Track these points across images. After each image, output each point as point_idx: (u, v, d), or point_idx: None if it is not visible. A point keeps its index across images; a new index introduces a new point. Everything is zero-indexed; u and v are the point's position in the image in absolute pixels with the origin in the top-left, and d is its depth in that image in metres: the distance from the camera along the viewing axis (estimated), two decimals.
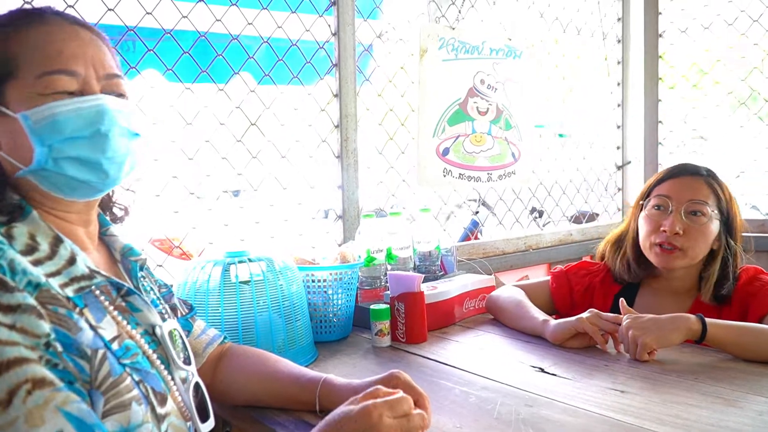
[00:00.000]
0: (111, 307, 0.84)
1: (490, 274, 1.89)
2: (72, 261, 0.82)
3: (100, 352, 0.77)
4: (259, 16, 1.81)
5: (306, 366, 1.34)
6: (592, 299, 1.65)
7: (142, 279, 0.98)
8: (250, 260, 1.35)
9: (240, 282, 1.32)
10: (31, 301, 0.72)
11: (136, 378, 0.81)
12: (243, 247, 1.42)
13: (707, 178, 1.52)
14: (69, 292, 0.79)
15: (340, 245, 1.86)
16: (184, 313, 1.13)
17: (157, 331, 0.90)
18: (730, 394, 1.08)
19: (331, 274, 1.55)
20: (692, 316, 1.27)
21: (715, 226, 1.48)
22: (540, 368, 1.26)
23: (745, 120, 2.56)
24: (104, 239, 0.98)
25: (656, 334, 1.26)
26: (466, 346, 1.46)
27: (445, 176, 2.07)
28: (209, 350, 1.14)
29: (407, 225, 1.86)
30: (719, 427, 0.94)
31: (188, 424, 0.89)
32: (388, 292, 1.55)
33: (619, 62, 2.70)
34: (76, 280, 0.81)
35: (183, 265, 1.42)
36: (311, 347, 1.43)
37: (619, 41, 2.70)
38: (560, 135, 2.94)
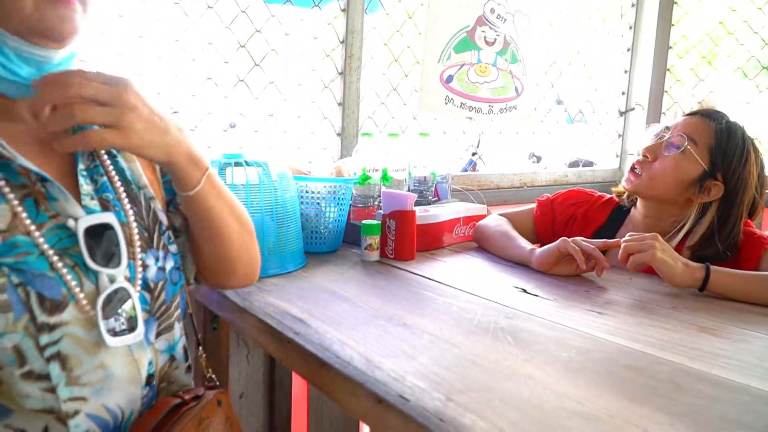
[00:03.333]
0: (12, 195, 0.74)
1: (483, 204, 1.90)
2: None
3: None
4: None
5: (294, 271, 1.38)
6: (572, 230, 1.66)
7: (98, 158, 0.87)
8: (247, 163, 1.36)
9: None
10: None
11: (16, 280, 0.72)
12: (240, 150, 1.42)
13: (717, 124, 1.44)
14: None
15: (336, 161, 1.86)
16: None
17: (69, 223, 0.78)
18: (706, 322, 1.11)
19: (325, 186, 1.56)
20: (698, 264, 1.27)
21: (692, 169, 1.44)
22: (523, 289, 1.29)
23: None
24: None
25: (668, 257, 1.25)
26: (453, 267, 1.48)
27: (446, 104, 2.05)
28: None
29: (404, 148, 1.86)
30: (692, 348, 0.96)
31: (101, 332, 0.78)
32: (381, 210, 1.56)
33: (633, 5, 2.64)
34: None
35: None
36: (301, 254, 1.45)
37: None
38: (568, 120, 2.92)
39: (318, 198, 1.56)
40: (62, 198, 0.79)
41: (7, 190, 0.74)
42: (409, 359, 0.87)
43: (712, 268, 1.26)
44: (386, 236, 1.53)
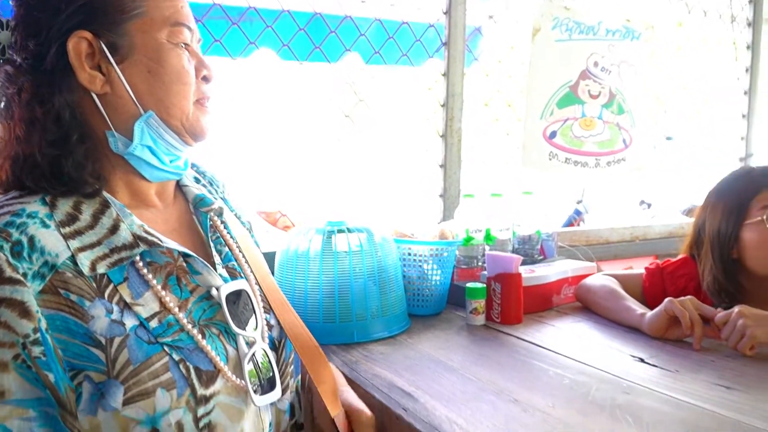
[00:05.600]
0: (155, 279, 0.80)
1: (592, 262, 1.83)
2: (115, 229, 0.78)
3: (117, 339, 0.73)
4: None
5: (399, 334, 1.37)
6: None
7: (217, 230, 0.94)
8: (348, 230, 1.39)
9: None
10: (20, 295, 0.69)
11: (176, 357, 0.77)
12: (343, 217, 1.46)
13: None
14: (102, 268, 0.75)
15: (439, 223, 1.87)
16: None
17: (213, 293, 0.84)
18: None
19: (428, 249, 1.56)
20: None
21: None
22: (640, 358, 1.22)
23: None
24: (182, 190, 0.95)
25: (760, 330, 1.18)
26: (562, 331, 1.43)
27: (550, 159, 2.02)
28: None
29: (507, 207, 1.83)
30: None
31: (247, 397, 0.84)
32: (485, 272, 1.54)
33: (748, 47, 2.51)
34: (116, 251, 0.77)
35: (287, 234, 1.48)
36: (404, 316, 1.45)
37: (749, 24, 2.52)
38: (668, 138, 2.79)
39: (421, 260, 1.56)
40: (205, 271, 0.85)
41: (150, 276, 0.79)
42: None
43: None
44: (492, 300, 1.50)
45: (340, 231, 1.38)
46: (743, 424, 0.90)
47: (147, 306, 0.77)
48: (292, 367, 0.98)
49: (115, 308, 0.75)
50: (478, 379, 1.09)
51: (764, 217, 1.40)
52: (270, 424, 0.89)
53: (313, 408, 0.97)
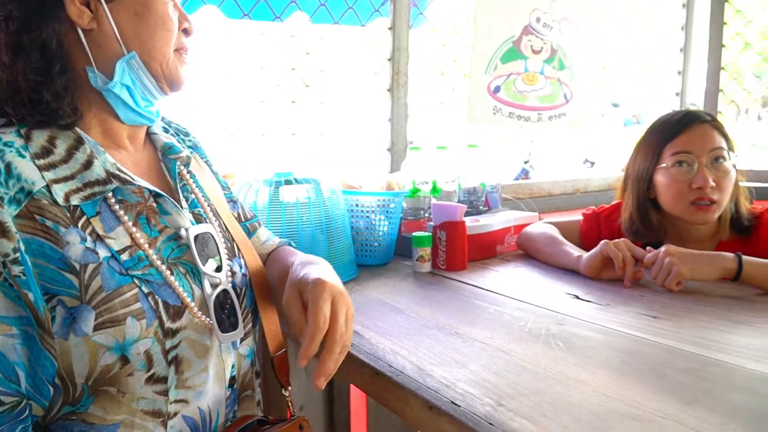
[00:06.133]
0: (127, 216, 0.82)
1: (535, 212, 1.89)
2: (88, 164, 0.81)
3: (91, 266, 0.75)
4: None
5: (346, 282, 1.41)
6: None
7: (183, 178, 0.97)
8: (296, 181, 1.41)
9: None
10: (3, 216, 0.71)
11: (146, 290, 0.79)
12: (291, 169, 1.47)
13: (713, 122, 1.48)
14: (76, 200, 0.77)
15: (386, 176, 1.89)
16: (241, 220, 1.13)
17: (182, 233, 0.88)
18: (762, 323, 1.08)
19: (375, 200, 1.59)
20: (730, 254, 1.27)
21: (732, 170, 1.45)
22: (575, 295, 1.29)
23: None
24: (150, 137, 0.97)
25: (692, 265, 1.27)
26: (504, 275, 1.49)
27: (494, 114, 2.06)
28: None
29: (453, 160, 1.88)
30: (747, 348, 0.94)
31: (212, 335, 0.87)
32: (431, 222, 1.58)
33: (683, 5, 2.59)
34: (89, 186, 0.79)
35: (235, 184, 1.48)
36: (352, 265, 1.49)
37: None
38: (626, 123, 2.86)
39: (368, 212, 1.59)
40: (174, 211, 0.88)
41: (122, 212, 0.82)
42: (460, 367, 0.88)
43: (745, 258, 1.26)
44: (437, 247, 1.54)
45: (287, 182, 1.40)
46: (663, 344, 0.97)
47: (118, 240, 0.80)
48: (252, 315, 1.01)
49: (89, 238, 0.77)
50: (422, 317, 1.14)
51: (668, 163, 1.47)
52: (233, 366, 0.92)
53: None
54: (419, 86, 2.05)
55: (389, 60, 1.91)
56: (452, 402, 0.76)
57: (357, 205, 1.60)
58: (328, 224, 1.42)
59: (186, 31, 0.91)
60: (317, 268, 0.88)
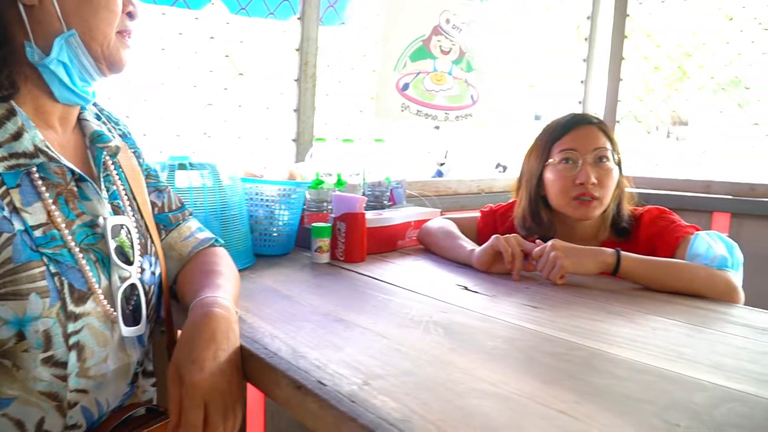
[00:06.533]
0: (48, 193, 0.82)
1: (438, 209, 1.93)
2: (18, 136, 0.81)
3: (5, 235, 0.76)
4: None
5: (241, 270, 1.39)
6: None
7: (107, 168, 0.96)
8: (191, 165, 1.37)
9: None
10: None
11: (53, 270, 0.79)
12: (188, 153, 1.44)
13: (599, 124, 1.55)
14: (0, 167, 0.78)
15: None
16: (164, 210, 1.11)
17: (100, 222, 0.88)
18: (633, 313, 1.14)
19: (276, 189, 1.58)
20: (609, 250, 1.34)
21: (615, 170, 1.53)
22: (464, 287, 1.32)
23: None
24: (81, 123, 0.97)
25: (575, 259, 1.32)
26: (401, 268, 1.51)
27: (402, 111, 2.09)
28: (194, 253, 1.11)
29: (359, 153, 1.88)
30: (613, 335, 0.99)
31: (114, 326, 0.87)
32: (334, 214, 1.58)
33: (588, 17, 2.71)
34: (15, 157, 0.79)
35: None
36: (248, 254, 1.47)
37: None
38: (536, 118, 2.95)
39: (270, 201, 1.58)
40: (96, 198, 0.89)
41: (44, 188, 0.82)
42: (336, 349, 0.88)
43: (623, 254, 1.33)
44: (336, 239, 1.55)
45: (181, 166, 1.37)
46: (537, 331, 1.01)
47: (35, 215, 0.80)
48: (155, 314, 1.00)
49: (6, 208, 0.77)
50: (310, 304, 1.13)
51: (555, 160, 1.54)
52: (138, 363, 0.92)
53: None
54: (329, 80, 2.05)
55: (297, 50, 1.90)
56: (319, 381, 0.76)
57: (257, 194, 1.58)
58: (223, 211, 1.39)
59: (130, 14, 0.92)
60: (202, 345, 0.80)
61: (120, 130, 1.08)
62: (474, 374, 0.80)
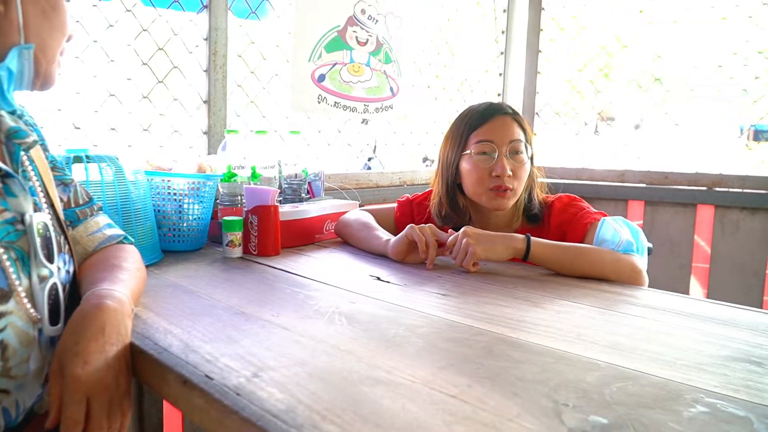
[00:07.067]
0: None
1: (357, 201, 1.91)
2: None
3: None
4: None
5: (148, 266, 1.33)
6: None
7: (23, 164, 0.93)
8: (88, 158, 1.31)
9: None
10: None
11: None
12: (86, 146, 1.37)
13: (514, 115, 1.57)
14: None
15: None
16: (71, 206, 1.07)
17: (26, 219, 0.86)
18: (539, 298, 1.15)
19: (186, 182, 1.52)
20: (520, 236, 1.36)
21: (528, 161, 1.55)
22: (377, 277, 1.30)
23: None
24: None
25: (486, 245, 1.33)
26: (316, 260, 1.48)
27: (319, 103, 2.06)
28: (99, 249, 1.08)
29: (274, 145, 1.84)
30: (517, 320, 1.00)
31: (37, 326, 0.85)
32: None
33: (504, 11, 2.75)
34: None
35: None
36: (154, 249, 1.41)
37: None
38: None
39: (178, 195, 1.52)
40: (22, 195, 0.87)
41: None
42: (231, 343, 0.85)
43: (532, 239, 1.35)
44: (249, 232, 1.51)
45: (77, 159, 1.30)
46: (442, 318, 1.00)
47: None
48: (68, 313, 0.95)
49: None
50: (212, 299, 1.10)
51: (472, 151, 1.55)
52: (49, 363, 0.88)
53: None
54: (242, 71, 2.00)
55: (205, 40, 1.84)
56: (207, 376, 0.73)
57: (165, 188, 1.52)
58: (125, 206, 1.34)
59: (70, 38, 0.94)
60: (89, 337, 0.78)
61: (25, 120, 1.03)
62: (370, 362, 0.78)
